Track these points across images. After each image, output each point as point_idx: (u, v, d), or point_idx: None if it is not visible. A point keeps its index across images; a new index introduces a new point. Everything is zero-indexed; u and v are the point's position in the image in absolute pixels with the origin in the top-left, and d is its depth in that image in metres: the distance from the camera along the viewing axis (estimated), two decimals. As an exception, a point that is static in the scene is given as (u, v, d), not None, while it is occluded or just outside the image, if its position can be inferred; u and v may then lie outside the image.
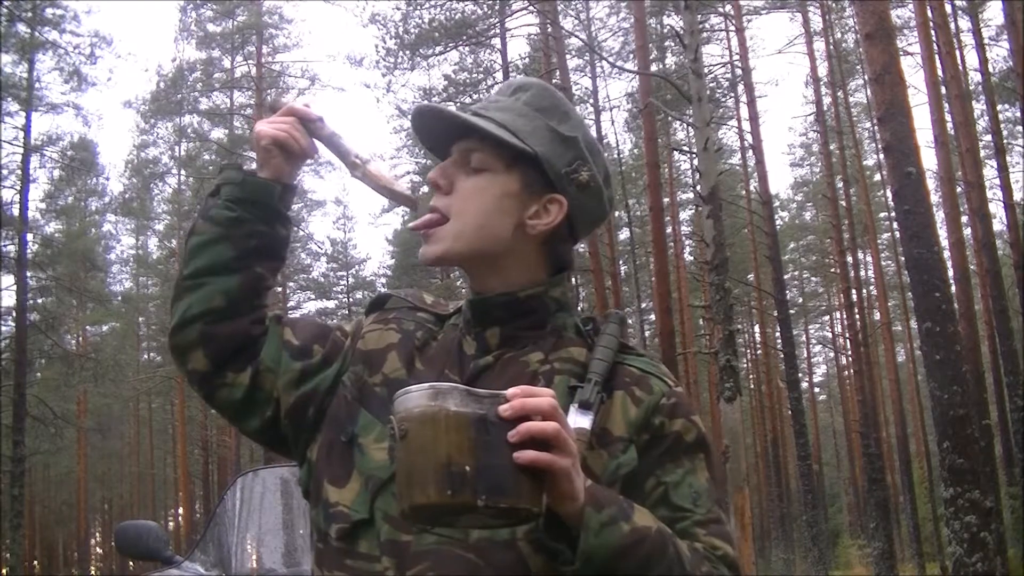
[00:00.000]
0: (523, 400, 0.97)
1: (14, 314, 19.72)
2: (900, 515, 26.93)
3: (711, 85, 21.50)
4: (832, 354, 38.76)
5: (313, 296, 35.01)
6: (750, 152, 21.99)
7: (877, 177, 27.55)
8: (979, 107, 20.30)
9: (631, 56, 22.87)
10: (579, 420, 1.13)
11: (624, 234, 28.37)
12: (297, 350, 1.26)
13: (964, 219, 17.37)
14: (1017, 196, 19.58)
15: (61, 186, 25.30)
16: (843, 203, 23.78)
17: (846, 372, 32.82)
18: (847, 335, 25.72)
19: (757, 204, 22.11)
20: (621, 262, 26.78)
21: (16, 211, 20.14)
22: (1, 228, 19.64)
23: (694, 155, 13.49)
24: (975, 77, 19.96)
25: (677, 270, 25.79)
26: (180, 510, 33.78)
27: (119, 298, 31.78)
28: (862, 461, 24.32)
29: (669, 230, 23.71)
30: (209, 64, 25.13)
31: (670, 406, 1.19)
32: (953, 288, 12.26)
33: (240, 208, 1.24)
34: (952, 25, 17.89)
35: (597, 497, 1.03)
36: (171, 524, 35.62)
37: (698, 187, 11.69)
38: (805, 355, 38.51)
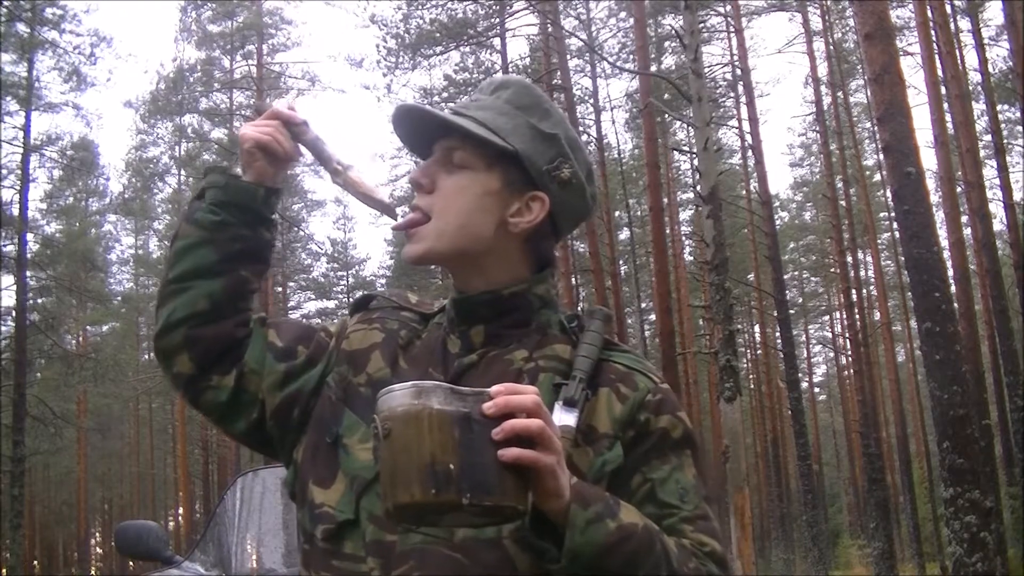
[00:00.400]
0: (507, 397, 0.97)
1: (14, 314, 19.70)
2: (900, 515, 26.93)
3: (711, 85, 21.51)
4: (832, 354, 38.78)
5: (313, 296, 35.05)
6: (750, 152, 21.99)
7: (877, 177, 27.54)
8: (979, 107, 20.29)
9: (631, 56, 22.88)
10: (564, 417, 1.12)
11: (624, 234, 28.39)
12: (281, 351, 1.26)
13: (964, 219, 17.37)
14: (1017, 196, 19.61)
15: (61, 186, 25.32)
16: (843, 203, 23.78)
17: (846, 372, 32.83)
18: (847, 335, 25.72)
19: (757, 204, 22.11)
20: (621, 262, 26.80)
21: (16, 211, 20.13)
22: (1, 228, 19.64)
23: (694, 155, 13.49)
24: (975, 77, 19.96)
25: (677, 270, 25.79)
26: (180, 510, 33.78)
27: (119, 298, 31.80)
28: (862, 461, 24.32)
29: (669, 230, 23.72)
30: (209, 64, 25.15)
31: (656, 402, 1.19)
32: (953, 288, 12.25)
33: (224, 212, 1.24)
34: (952, 25, 17.88)
35: (583, 494, 1.03)
36: (171, 524, 35.61)
37: (698, 187, 11.70)
38: (805, 355, 38.52)
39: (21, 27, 19.80)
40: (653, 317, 26.55)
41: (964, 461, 7.44)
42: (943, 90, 15.74)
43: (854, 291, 23.61)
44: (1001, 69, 19.87)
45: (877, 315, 28.47)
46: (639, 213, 27.91)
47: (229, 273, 1.24)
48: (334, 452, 1.19)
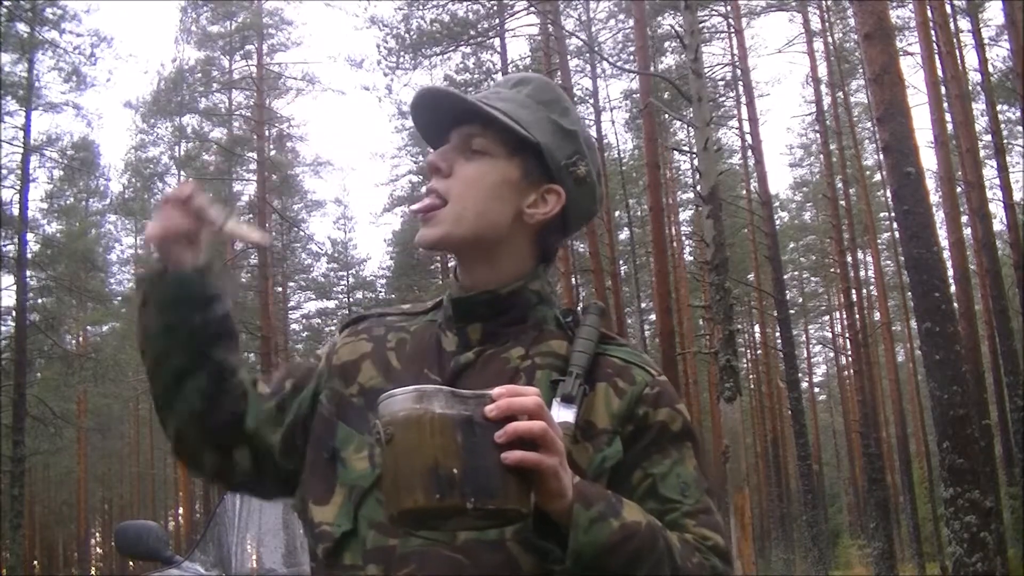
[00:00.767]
0: (509, 400, 0.96)
1: (14, 314, 19.69)
2: (900, 515, 26.93)
3: (711, 85, 21.51)
4: (832, 354, 38.77)
5: (313, 296, 35.07)
6: (750, 152, 21.99)
7: (877, 177, 27.54)
8: (979, 107, 20.29)
9: (631, 56, 22.88)
10: (562, 414, 1.12)
11: (624, 234, 28.38)
12: (270, 394, 1.28)
13: (964, 219, 17.37)
14: (1017, 196, 19.60)
15: (61, 186, 25.29)
16: (843, 203, 23.79)
17: (846, 372, 32.83)
18: (847, 335, 25.72)
19: (757, 204, 22.11)
20: (621, 262, 26.78)
21: (16, 211, 20.12)
22: (1, 228, 19.63)
23: (694, 155, 13.49)
24: (975, 77, 19.95)
25: (677, 270, 25.79)
26: (180, 510, 33.80)
27: (119, 298, 31.76)
28: (862, 461, 24.32)
29: (669, 230, 23.72)
30: (209, 64, 25.14)
31: (654, 395, 1.18)
32: (953, 288, 12.26)
33: (171, 312, 1.22)
34: (952, 25, 17.87)
35: (585, 494, 1.02)
36: (171, 524, 35.61)
37: (698, 187, 11.69)
38: (805, 355, 38.53)
39: (21, 27, 19.79)
40: (653, 317, 26.56)
41: (964, 461, 7.44)
42: (943, 90, 15.74)
43: (854, 291, 23.62)
44: (1001, 69, 19.87)
45: (877, 315, 28.48)
46: (639, 213, 27.91)
47: (204, 365, 1.24)
48: (331, 467, 1.19)
